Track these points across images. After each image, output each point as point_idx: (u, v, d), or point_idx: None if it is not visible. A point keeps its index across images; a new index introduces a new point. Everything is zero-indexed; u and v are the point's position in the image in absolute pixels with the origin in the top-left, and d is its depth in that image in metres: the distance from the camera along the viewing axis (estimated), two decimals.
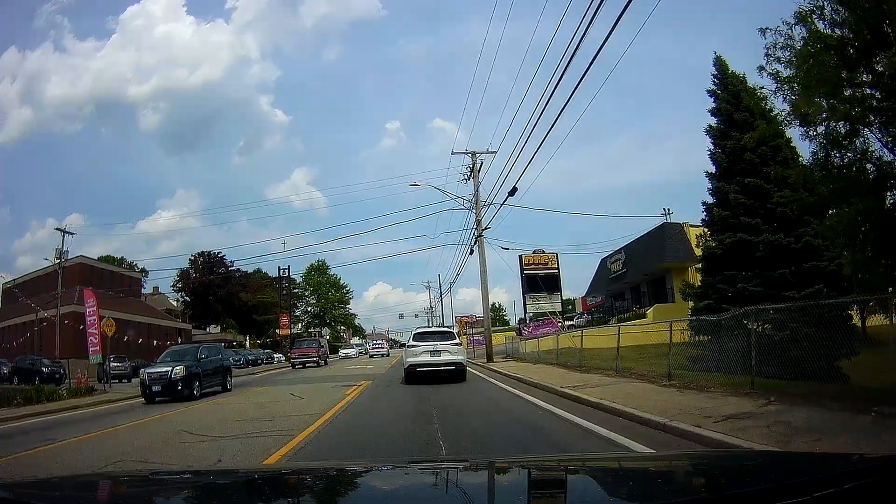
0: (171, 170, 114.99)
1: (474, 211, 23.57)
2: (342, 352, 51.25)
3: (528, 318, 32.35)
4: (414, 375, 14.97)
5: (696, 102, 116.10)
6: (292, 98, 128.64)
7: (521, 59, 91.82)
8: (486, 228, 22.39)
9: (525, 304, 28.82)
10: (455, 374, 15.09)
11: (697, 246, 25.37)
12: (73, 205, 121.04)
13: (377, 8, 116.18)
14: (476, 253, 23.40)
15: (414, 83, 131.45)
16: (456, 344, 16.41)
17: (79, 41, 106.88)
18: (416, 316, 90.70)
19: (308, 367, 30.57)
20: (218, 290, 72.47)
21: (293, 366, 32.78)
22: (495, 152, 24.31)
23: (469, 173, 24.61)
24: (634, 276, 37.57)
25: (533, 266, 29.99)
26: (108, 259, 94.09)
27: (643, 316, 33.62)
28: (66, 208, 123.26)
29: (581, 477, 2.17)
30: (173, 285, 74.71)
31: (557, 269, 29.84)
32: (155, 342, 46.75)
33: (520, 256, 29.02)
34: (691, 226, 36.70)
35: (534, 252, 29.67)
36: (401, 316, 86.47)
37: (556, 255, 30.16)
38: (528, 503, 1.72)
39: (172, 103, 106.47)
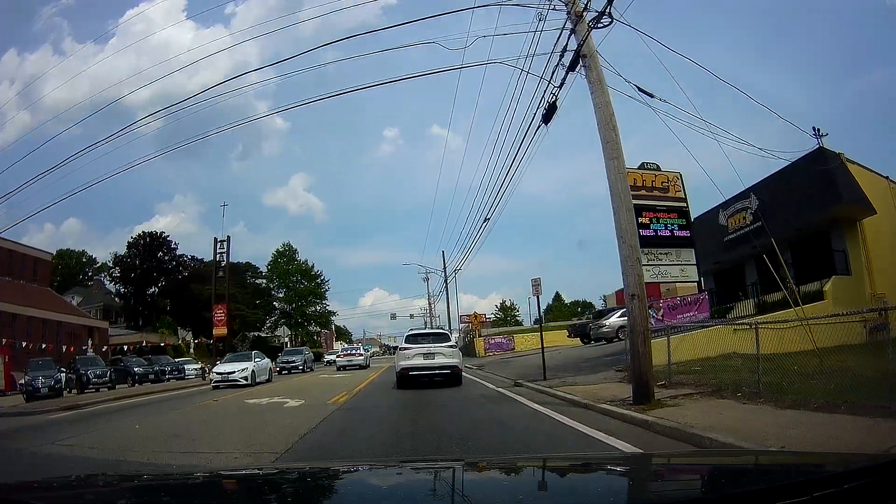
0: (170, 174, 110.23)
1: None
2: (217, 371, 21.67)
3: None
4: (406, 379, 14.24)
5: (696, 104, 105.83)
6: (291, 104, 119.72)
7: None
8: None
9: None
10: (450, 377, 14.18)
11: None
12: (72, 208, 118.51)
13: (377, 15, 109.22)
14: (583, 89, 8.60)
15: (413, 89, 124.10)
16: (451, 346, 15.15)
17: (77, 44, 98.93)
18: (412, 317, 76.09)
19: None
20: (161, 280, 57.65)
21: None
22: None
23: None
24: (776, 234, 22.92)
25: (645, 193, 15.36)
26: (65, 253, 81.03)
27: (818, 296, 19.27)
28: (65, 211, 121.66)
29: (583, 476, 2.10)
30: (108, 273, 59.89)
31: (685, 201, 15.51)
32: (43, 345, 31.86)
33: None
34: (849, 160, 22.54)
35: (642, 166, 15.31)
36: (393, 316, 71.13)
37: (680, 175, 15.71)
38: (518, 501, 1.66)
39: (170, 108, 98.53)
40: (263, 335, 54.08)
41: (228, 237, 35.27)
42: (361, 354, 32.31)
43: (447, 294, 37.75)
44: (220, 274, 34.48)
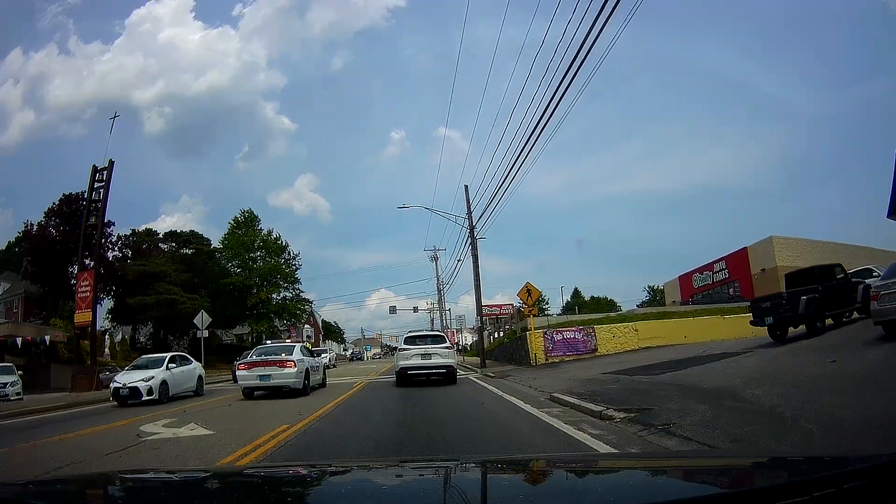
0: (175, 174, 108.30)
1: None
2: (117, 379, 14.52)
3: None
4: (404, 378, 14.81)
5: (698, 108, 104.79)
6: (298, 105, 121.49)
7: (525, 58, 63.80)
8: None
9: None
10: (446, 377, 14.81)
11: None
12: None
13: (385, 17, 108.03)
14: None
15: (420, 91, 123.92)
16: (447, 347, 15.91)
17: (84, 44, 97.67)
18: (415, 310, 62.07)
19: None
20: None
21: None
22: None
23: None
24: None
25: None
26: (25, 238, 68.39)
27: None
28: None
29: (583, 476, 2.03)
30: (16, 245, 45.94)
31: None
32: None
33: None
34: None
35: None
36: (392, 310, 56.55)
37: None
38: (518, 500, 1.61)
39: (176, 108, 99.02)
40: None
41: (111, 162, 21.12)
42: (291, 363, 14.18)
43: (474, 246, 22.96)
44: (93, 220, 20.30)
